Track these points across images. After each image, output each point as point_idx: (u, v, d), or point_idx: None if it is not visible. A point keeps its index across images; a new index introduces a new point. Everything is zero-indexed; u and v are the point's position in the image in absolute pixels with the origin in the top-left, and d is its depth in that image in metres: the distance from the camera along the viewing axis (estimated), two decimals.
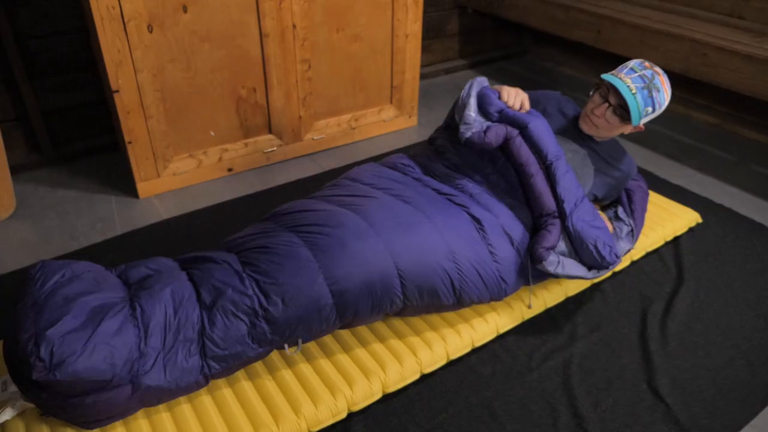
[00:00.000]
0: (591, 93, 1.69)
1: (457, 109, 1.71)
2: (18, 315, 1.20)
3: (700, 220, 2.11)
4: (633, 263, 1.94)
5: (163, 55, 2.08)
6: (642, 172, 2.47)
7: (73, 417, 1.22)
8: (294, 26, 2.29)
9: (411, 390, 1.50)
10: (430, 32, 3.45)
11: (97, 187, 2.37)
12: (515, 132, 1.62)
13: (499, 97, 1.68)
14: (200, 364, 1.29)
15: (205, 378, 1.31)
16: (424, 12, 3.30)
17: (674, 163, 2.60)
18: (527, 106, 1.68)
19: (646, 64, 1.63)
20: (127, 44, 1.98)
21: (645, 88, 1.57)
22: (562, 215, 1.58)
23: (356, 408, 1.41)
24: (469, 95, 1.67)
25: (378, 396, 1.44)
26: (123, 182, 2.37)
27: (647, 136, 2.81)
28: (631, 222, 1.74)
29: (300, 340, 1.40)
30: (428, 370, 1.52)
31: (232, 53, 2.22)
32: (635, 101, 1.57)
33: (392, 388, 1.46)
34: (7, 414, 1.27)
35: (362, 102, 2.68)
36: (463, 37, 3.61)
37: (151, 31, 2.01)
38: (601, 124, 1.66)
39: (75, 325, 1.18)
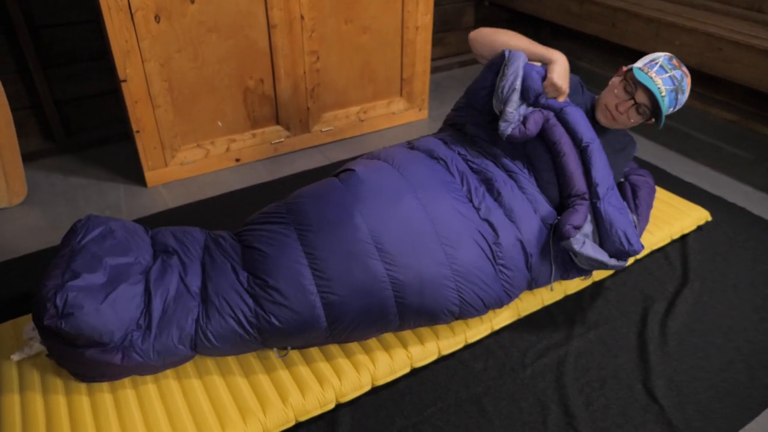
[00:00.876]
0: (616, 84, 1.57)
1: (497, 99, 1.60)
2: (54, 263, 1.31)
3: (709, 218, 2.07)
4: (637, 261, 1.91)
5: (171, 46, 2.10)
6: (653, 168, 2.42)
7: (71, 367, 1.32)
8: (302, 17, 2.30)
9: (401, 383, 1.50)
10: (445, 24, 3.42)
11: (107, 175, 2.41)
12: (551, 114, 1.59)
13: (543, 78, 1.59)
14: (190, 350, 1.35)
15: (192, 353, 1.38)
16: (440, 4, 3.28)
17: (688, 161, 2.54)
18: (563, 99, 1.62)
19: (675, 61, 1.54)
20: (134, 34, 2.00)
21: (673, 90, 1.50)
22: (594, 197, 1.54)
23: (344, 399, 1.41)
24: (513, 88, 1.56)
25: (367, 388, 1.44)
26: (132, 171, 2.41)
27: (661, 132, 2.75)
28: (635, 218, 1.70)
29: (289, 347, 1.45)
30: (419, 364, 1.51)
31: (240, 44, 2.23)
32: (664, 104, 1.50)
33: (381, 381, 1.46)
34: (25, 352, 1.40)
35: (371, 94, 2.67)
36: None
37: (158, 22, 2.03)
38: (621, 119, 1.58)
39: (93, 283, 1.27)
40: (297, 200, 1.53)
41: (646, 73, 1.51)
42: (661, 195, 2.10)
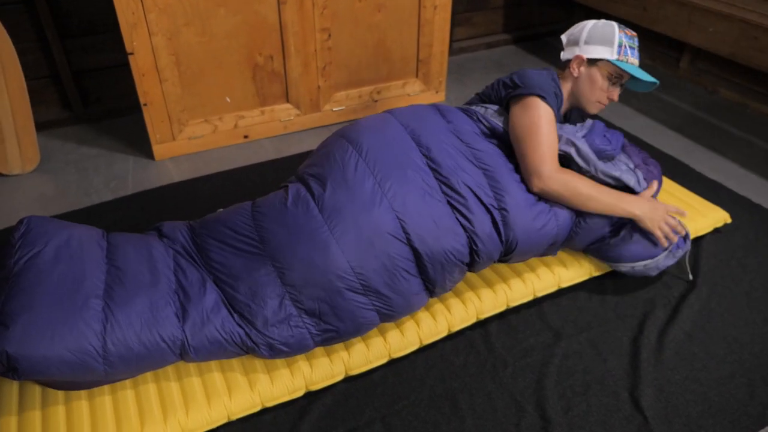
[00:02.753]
0: (598, 79, 1.60)
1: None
2: None
3: (728, 220, 1.93)
4: None
5: (178, 19, 2.08)
6: (676, 162, 2.29)
7: (45, 383, 1.28)
8: None
9: (376, 373, 1.46)
10: (473, 3, 3.30)
11: (119, 146, 2.44)
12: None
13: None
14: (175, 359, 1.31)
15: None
16: None
17: (715, 156, 2.38)
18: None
19: (628, 31, 1.59)
20: (141, 6, 1.99)
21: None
22: None
23: (315, 387, 1.39)
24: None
25: (339, 377, 1.42)
26: (143, 144, 2.43)
27: (690, 126, 2.59)
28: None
29: None
30: (397, 354, 1.48)
31: (249, 19, 2.20)
32: (647, 75, 1.58)
33: (356, 371, 1.43)
34: None
35: (385, 74, 2.60)
36: (508, 9, 3.43)
37: None
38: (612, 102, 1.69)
39: (32, 325, 1.15)
40: (268, 228, 1.40)
41: (627, 61, 1.56)
42: (677, 192, 1.98)
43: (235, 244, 1.41)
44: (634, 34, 1.60)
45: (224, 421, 1.32)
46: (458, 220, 1.42)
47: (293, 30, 2.28)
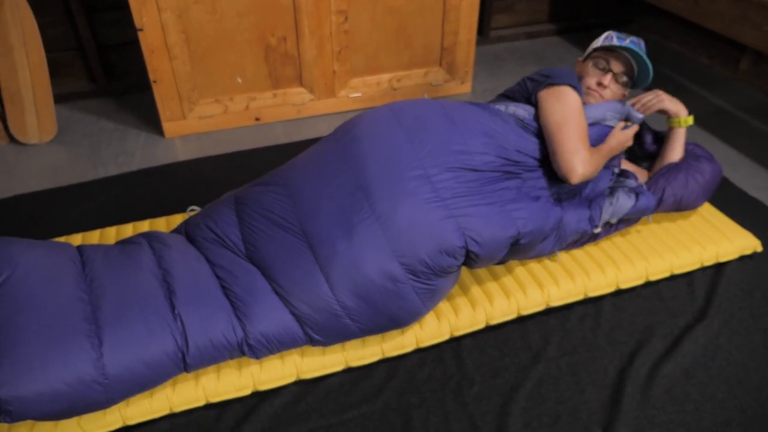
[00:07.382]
0: (587, 66, 1.63)
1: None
2: None
3: (759, 249, 1.71)
4: (649, 284, 1.63)
5: None
6: None
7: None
8: None
9: (333, 378, 1.39)
10: None
11: (135, 121, 2.46)
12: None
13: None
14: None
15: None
16: None
17: (761, 170, 2.13)
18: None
19: (623, 33, 1.62)
20: None
21: (640, 49, 1.57)
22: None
23: (263, 388, 1.34)
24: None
25: (290, 380, 1.36)
26: (157, 120, 2.43)
27: (740, 134, 2.33)
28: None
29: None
30: (355, 363, 1.40)
31: None
32: (641, 51, 1.56)
33: (308, 375, 1.37)
34: None
35: (406, 61, 2.49)
36: None
37: None
38: (607, 94, 1.60)
39: (24, 357, 1.06)
40: (256, 238, 1.36)
41: (611, 44, 1.58)
42: (703, 210, 1.77)
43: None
44: (633, 36, 1.62)
45: (166, 412, 1.29)
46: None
47: (307, 11, 2.20)
